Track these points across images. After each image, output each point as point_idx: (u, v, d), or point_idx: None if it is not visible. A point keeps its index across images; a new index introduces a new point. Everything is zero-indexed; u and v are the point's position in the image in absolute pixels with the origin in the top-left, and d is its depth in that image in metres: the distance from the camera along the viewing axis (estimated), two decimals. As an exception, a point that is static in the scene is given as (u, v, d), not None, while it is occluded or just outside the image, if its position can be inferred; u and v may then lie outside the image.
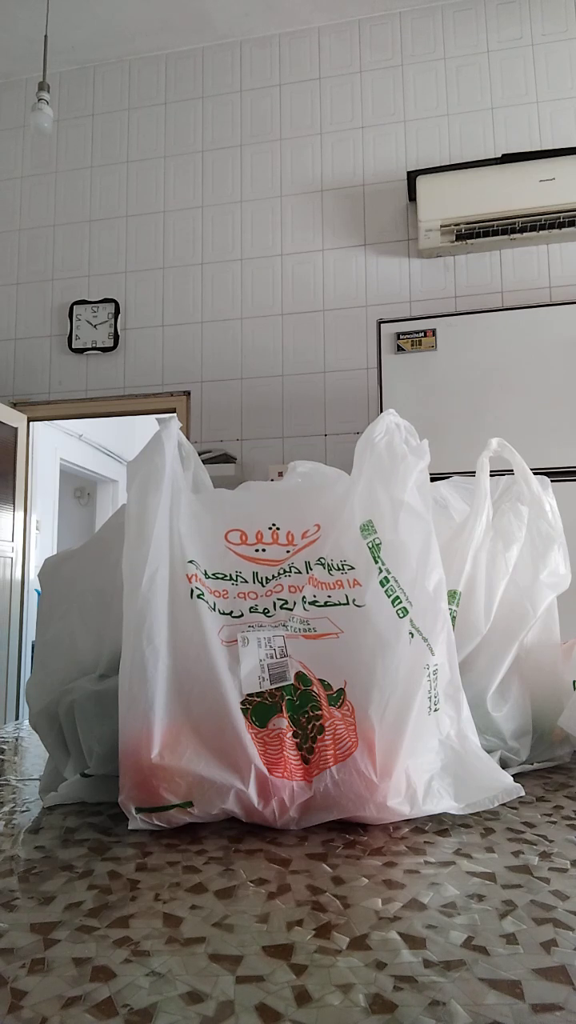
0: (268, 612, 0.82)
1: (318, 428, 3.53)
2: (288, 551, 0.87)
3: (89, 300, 3.89)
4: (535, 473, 1.02)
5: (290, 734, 0.74)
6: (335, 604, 0.81)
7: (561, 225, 3.24)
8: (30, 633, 3.88)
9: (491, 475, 0.98)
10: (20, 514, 3.86)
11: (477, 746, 0.80)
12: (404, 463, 0.84)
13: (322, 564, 0.84)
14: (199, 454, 1.16)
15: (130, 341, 3.83)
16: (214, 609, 0.80)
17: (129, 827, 0.71)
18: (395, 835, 0.71)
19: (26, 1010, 0.41)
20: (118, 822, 0.75)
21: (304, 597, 0.82)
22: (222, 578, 0.84)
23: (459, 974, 0.44)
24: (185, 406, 3.70)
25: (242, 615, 0.82)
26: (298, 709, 0.75)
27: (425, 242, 3.36)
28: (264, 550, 0.87)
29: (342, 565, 0.83)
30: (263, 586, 0.85)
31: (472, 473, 0.99)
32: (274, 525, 0.88)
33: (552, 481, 1.06)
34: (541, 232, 3.27)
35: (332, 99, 3.78)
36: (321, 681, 0.77)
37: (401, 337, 2.87)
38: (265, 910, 0.54)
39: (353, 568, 0.82)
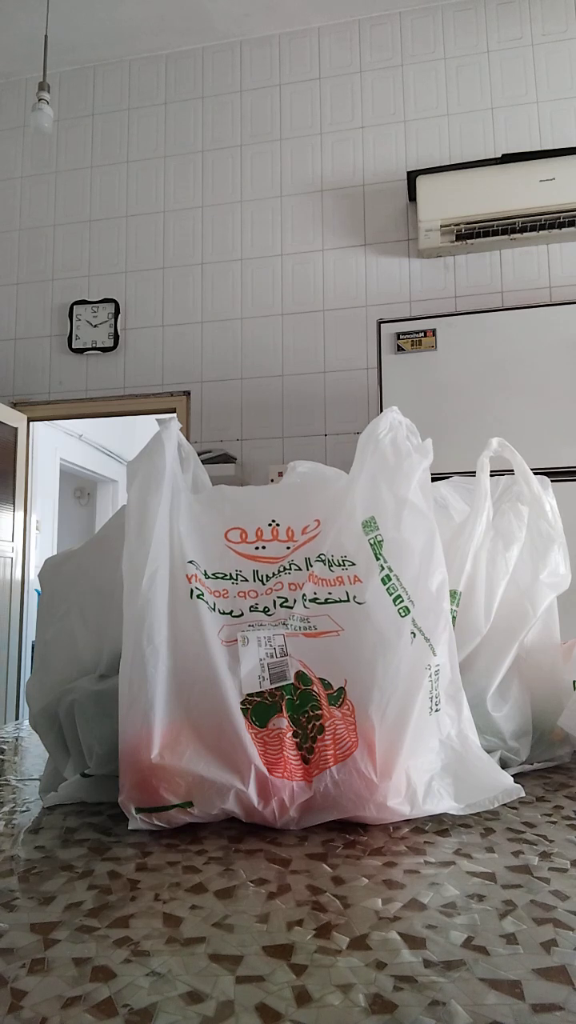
0: (268, 610, 0.82)
1: (318, 428, 3.53)
2: (288, 547, 0.87)
3: (89, 300, 3.89)
4: (535, 473, 1.02)
5: (290, 734, 0.74)
6: (335, 601, 0.81)
7: (561, 225, 3.23)
8: (30, 633, 3.88)
9: (491, 475, 0.98)
10: (20, 514, 3.86)
11: (477, 746, 0.80)
12: (409, 461, 0.84)
13: (322, 560, 0.84)
14: (199, 454, 1.16)
15: (130, 341, 3.83)
16: (214, 609, 0.80)
17: (129, 827, 0.71)
18: (395, 835, 0.71)
19: (26, 1010, 0.41)
20: (118, 822, 0.75)
21: (304, 595, 0.82)
22: (222, 577, 0.84)
23: (459, 974, 0.44)
24: (185, 406, 3.70)
25: (242, 614, 0.82)
26: (298, 709, 0.75)
27: (425, 242, 3.36)
28: (264, 547, 0.87)
29: (343, 561, 0.83)
30: (263, 584, 0.85)
31: (472, 473, 0.99)
32: (274, 522, 0.88)
33: (552, 481, 1.06)
34: (541, 232, 3.27)
35: (332, 99, 3.78)
36: (321, 680, 0.77)
37: (401, 337, 2.86)
38: (265, 910, 0.54)
39: (354, 564, 0.82)
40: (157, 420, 0.90)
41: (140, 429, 6.09)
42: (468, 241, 3.34)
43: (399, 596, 0.78)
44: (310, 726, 0.74)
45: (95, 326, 3.84)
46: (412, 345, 2.85)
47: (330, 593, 0.82)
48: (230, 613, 0.81)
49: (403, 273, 3.55)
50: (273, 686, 0.76)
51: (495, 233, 3.30)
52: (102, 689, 0.80)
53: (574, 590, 1.03)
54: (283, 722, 0.74)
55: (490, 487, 0.97)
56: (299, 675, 0.77)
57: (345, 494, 0.86)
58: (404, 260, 3.56)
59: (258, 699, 0.75)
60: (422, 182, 3.36)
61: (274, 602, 0.83)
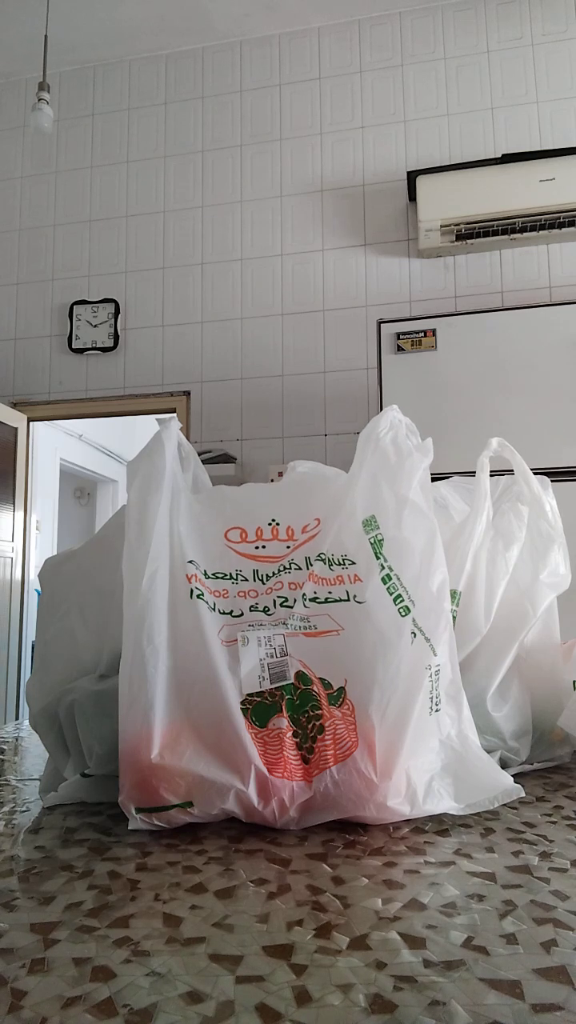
0: (268, 610, 0.82)
1: (318, 428, 3.53)
2: (288, 547, 0.87)
3: (89, 300, 3.89)
4: (535, 473, 1.02)
5: (290, 734, 0.74)
6: (336, 600, 0.81)
7: (561, 225, 3.23)
8: (30, 633, 3.88)
9: (491, 475, 0.98)
10: (20, 514, 3.86)
11: (478, 746, 0.80)
12: (410, 460, 0.84)
13: (323, 560, 0.84)
14: (199, 454, 1.16)
15: (130, 341, 3.83)
16: (214, 609, 0.80)
17: (129, 827, 0.71)
18: (395, 835, 0.71)
19: (26, 1010, 0.41)
20: (118, 822, 0.75)
21: (304, 594, 0.82)
22: (222, 577, 0.84)
23: (459, 974, 0.44)
24: (185, 406, 3.70)
25: (242, 614, 0.82)
26: (298, 709, 0.75)
27: (425, 242, 3.36)
28: (264, 547, 0.87)
29: (343, 560, 0.83)
30: (263, 584, 0.85)
31: (472, 473, 0.99)
32: (274, 521, 0.88)
33: (552, 481, 1.06)
34: (541, 232, 3.26)
35: (332, 99, 3.78)
36: (321, 680, 0.77)
37: (401, 337, 2.86)
38: (265, 910, 0.54)
39: (354, 563, 0.82)
40: (157, 420, 0.90)
41: (140, 429, 6.08)
42: (468, 241, 3.34)
43: (399, 596, 0.78)
44: (310, 726, 0.74)
45: (95, 326, 3.84)
46: (412, 345, 2.85)
47: (330, 592, 0.82)
48: (230, 613, 0.81)
49: (403, 273, 3.55)
50: (273, 686, 0.76)
51: (495, 233, 3.30)
52: (102, 689, 0.80)
53: (574, 590, 1.03)
54: (283, 722, 0.74)
55: (490, 487, 0.97)
56: (299, 675, 0.77)
57: (345, 493, 0.86)
58: (404, 260, 3.56)
59: (258, 699, 0.75)
60: (422, 182, 3.35)
61: (274, 602, 0.83)
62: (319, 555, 0.84)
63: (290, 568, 0.86)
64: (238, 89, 3.90)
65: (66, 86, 4.10)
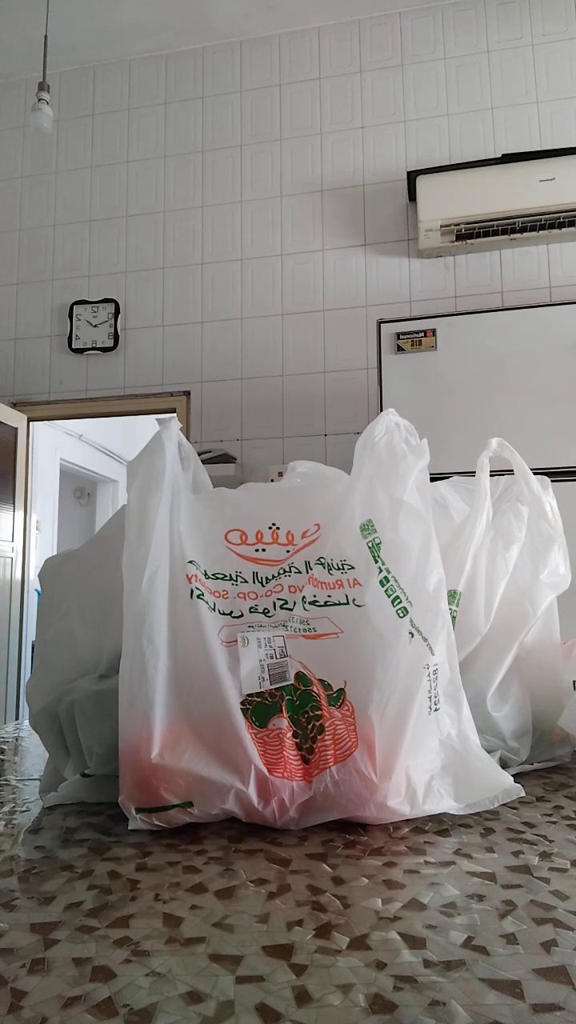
0: (268, 612, 0.83)
1: (318, 428, 3.53)
2: (288, 551, 0.87)
3: (89, 300, 3.89)
4: (535, 473, 1.02)
5: (290, 734, 0.74)
6: (335, 604, 0.81)
7: (561, 225, 3.23)
8: (30, 633, 3.88)
9: (491, 475, 0.98)
10: (20, 514, 3.86)
11: (478, 746, 0.80)
12: (404, 462, 0.84)
13: (322, 564, 0.84)
14: (199, 454, 1.16)
15: (130, 341, 3.83)
16: (214, 609, 0.80)
17: (129, 827, 0.71)
18: (395, 835, 0.71)
19: (26, 1010, 0.41)
20: (118, 822, 0.75)
21: (304, 597, 0.82)
22: (222, 578, 0.84)
23: (459, 974, 0.44)
24: (185, 406, 3.70)
25: (242, 615, 0.82)
26: (298, 709, 0.75)
27: (425, 242, 3.36)
28: (264, 550, 0.87)
29: (342, 565, 0.83)
30: (263, 586, 0.85)
31: (472, 473, 0.99)
32: (274, 525, 0.88)
33: (552, 481, 1.06)
34: (541, 232, 3.26)
35: (332, 99, 3.78)
36: (321, 681, 0.77)
37: (401, 337, 2.86)
38: (265, 910, 0.54)
39: (353, 568, 0.82)
40: (157, 420, 0.90)
41: (140, 429, 6.08)
42: (468, 241, 3.34)
43: (397, 597, 0.78)
44: (310, 726, 0.74)
45: (95, 326, 3.84)
46: (412, 345, 2.85)
47: (329, 596, 0.82)
48: (230, 614, 0.81)
49: (403, 273, 3.55)
50: (273, 687, 0.76)
51: (495, 233, 3.30)
52: (102, 689, 0.80)
53: (574, 590, 1.03)
54: (283, 722, 0.74)
55: (490, 487, 0.97)
56: (299, 676, 0.77)
57: (345, 499, 0.86)
58: (404, 260, 3.56)
59: (258, 699, 0.75)
60: (422, 182, 3.35)
61: (274, 604, 0.83)
62: (319, 559, 0.85)
63: (290, 572, 0.86)
64: (238, 89, 3.90)
65: (66, 86, 4.10)
